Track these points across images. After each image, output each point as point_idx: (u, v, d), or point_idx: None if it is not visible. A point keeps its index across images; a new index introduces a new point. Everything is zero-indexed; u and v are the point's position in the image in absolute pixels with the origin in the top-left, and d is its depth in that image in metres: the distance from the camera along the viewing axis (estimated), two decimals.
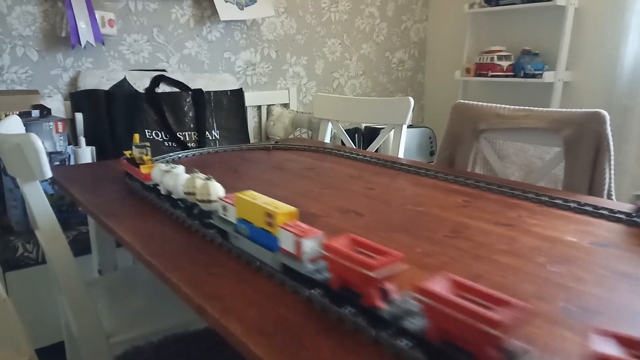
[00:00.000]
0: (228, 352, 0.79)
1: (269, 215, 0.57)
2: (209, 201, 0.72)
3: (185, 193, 0.76)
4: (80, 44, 2.01)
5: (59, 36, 2.05)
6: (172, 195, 0.82)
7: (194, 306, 0.54)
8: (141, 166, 0.93)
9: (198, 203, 0.73)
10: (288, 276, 0.56)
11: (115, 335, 1.00)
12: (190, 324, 1.02)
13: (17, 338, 0.80)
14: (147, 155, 0.96)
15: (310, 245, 0.53)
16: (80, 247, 1.55)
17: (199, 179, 0.74)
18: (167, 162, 1.04)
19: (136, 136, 1.01)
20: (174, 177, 0.81)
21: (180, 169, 0.83)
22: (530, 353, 0.39)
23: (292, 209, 0.57)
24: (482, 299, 0.40)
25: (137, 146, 0.96)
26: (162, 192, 0.85)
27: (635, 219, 0.78)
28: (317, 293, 0.51)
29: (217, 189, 0.72)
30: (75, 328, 0.99)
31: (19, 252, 1.53)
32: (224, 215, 0.67)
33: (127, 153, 1.02)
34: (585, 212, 0.82)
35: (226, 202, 0.66)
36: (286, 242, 0.55)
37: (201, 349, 0.81)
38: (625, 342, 0.37)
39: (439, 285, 0.41)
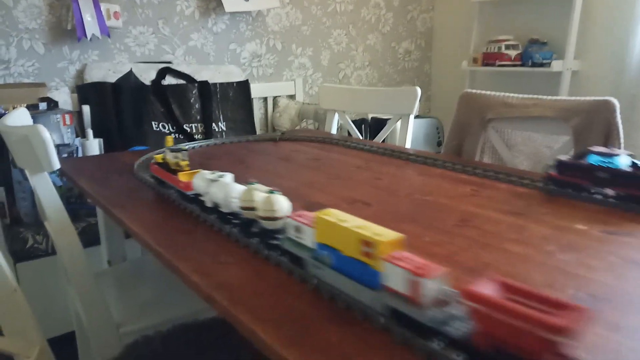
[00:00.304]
0: (237, 341, 0.80)
1: (367, 244, 0.45)
2: (275, 218, 0.61)
3: (242, 208, 0.66)
4: (86, 37, 2.01)
5: (65, 29, 2.06)
6: (221, 209, 0.71)
7: (203, 295, 0.54)
8: (179, 174, 0.82)
9: (260, 220, 0.63)
10: (396, 321, 0.43)
11: (124, 325, 1.01)
12: (199, 313, 1.02)
13: (28, 328, 0.81)
14: (184, 160, 0.85)
15: (432, 287, 0.41)
16: (89, 238, 1.56)
17: (259, 191, 0.64)
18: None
19: (169, 138, 0.90)
20: (222, 187, 0.70)
21: (229, 177, 0.73)
22: None
23: (397, 235, 0.45)
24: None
25: (171, 149, 0.86)
26: (208, 204, 0.74)
27: (550, 187, 0.86)
28: (439, 346, 0.40)
29: (283, 205, 0.61)
30: (84, 318, 1.00)
31: (29, 244, 1.55)
32: (297, 237, 0.55)
33: (159, 158, 0.92)
34: (595, 201, 0.82)
35: (300, 221, 0.54)
36: (394, 279, 0.43)
37: (210, 337, 0.82)
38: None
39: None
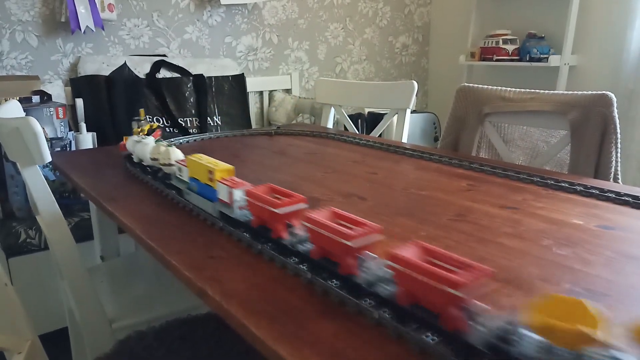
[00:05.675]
0: (230, 336, 0.79)
1: (210, 172, 0.68)
2: (170, 164, 0.82)
3: (152, 159, 0.89)
4: (80, 29, 1.99)
5: (59, 21, 2.03)
6: (143, 163, 0.96)
7: (195, 289, 0.54)
8: (124, 137, 1.04)
9: (162, 167, 0.86)
10: (224, 222, 0.66)
11: (117, 321, 1.00)
12: (192, 309, 1.01)
13: (19, 323, 0.80)
14: (138, 127, 1.08)
15: (240, 195, 0.64)
16: (82, 233, 1.55)
17: (163, 146, 0.86)
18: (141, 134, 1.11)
19: (141, 111, 1.16)
20: (143, 146, 0.93)
21: (150, 139, 0.94)
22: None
23: (229, 167, 0.68)
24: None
25: (136, 119, 1.06)
26: (135, 160, 0.99)
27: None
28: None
29: (176, 154, 0.83)
30: (77, 314, 0.99)
31: (22, 238, 1.53)
32: (180, 175, 0.78)
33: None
34: (592, 195, 0.81)
35: (181, 164, 0.77)
36: (222, 193, 0.66)
37: (203, 333, 0.81)
38: (426, 251, 0.43)
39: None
